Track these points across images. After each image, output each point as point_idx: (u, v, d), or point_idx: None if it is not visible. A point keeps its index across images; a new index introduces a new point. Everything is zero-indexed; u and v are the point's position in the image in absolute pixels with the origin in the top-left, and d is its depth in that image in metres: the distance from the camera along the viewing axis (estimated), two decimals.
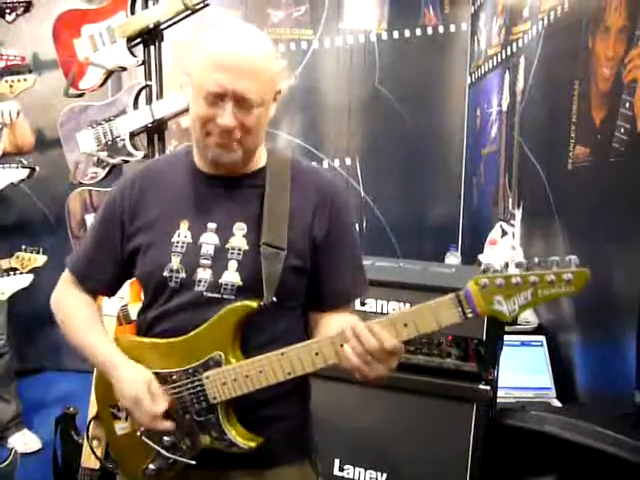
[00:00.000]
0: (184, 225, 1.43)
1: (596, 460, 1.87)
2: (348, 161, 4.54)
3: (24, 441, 3.36)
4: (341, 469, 2.29)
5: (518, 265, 1.20)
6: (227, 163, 1.39)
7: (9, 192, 3.47)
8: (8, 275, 2.88)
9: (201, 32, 1.39)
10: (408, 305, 2.17)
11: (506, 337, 2.38)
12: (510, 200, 3.46)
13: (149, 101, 3.05)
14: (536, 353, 2.69)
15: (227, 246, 1.41)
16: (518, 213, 3.30)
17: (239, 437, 1.38)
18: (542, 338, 2.72)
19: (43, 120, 4.05)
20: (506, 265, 1.21)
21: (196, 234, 1.42)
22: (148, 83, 3.04)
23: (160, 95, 3.05)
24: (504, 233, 3.37)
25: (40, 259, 3.19)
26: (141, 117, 2.99)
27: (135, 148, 3.04)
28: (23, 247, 3.18)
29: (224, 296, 1.39)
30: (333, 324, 1.43)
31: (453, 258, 3.85)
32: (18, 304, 3.38)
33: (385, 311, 2.19)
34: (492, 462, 2.13)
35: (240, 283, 1.39)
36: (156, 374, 1.41)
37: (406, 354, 2.21)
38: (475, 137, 4.34)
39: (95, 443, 1.58)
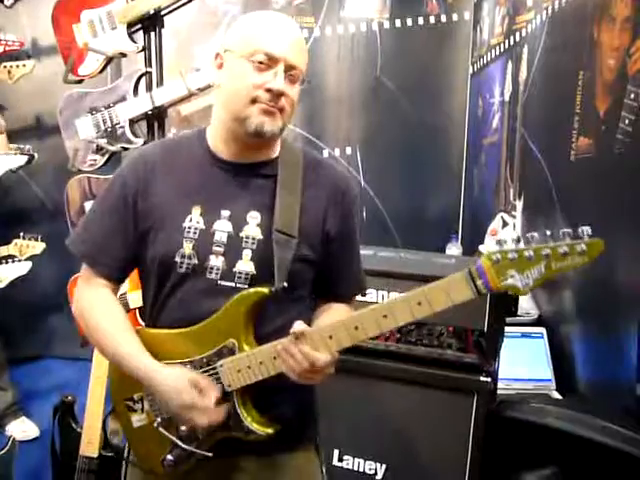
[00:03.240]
0: (196, 210, 1.41)
1: (596, 452, 1.87)
2: (349, 150, 4.51)
3: (22, 428, 3.36)
4: (340, 459, 2.29)
5: (530, 239, 1.20)
6: (268, 132, 1.38)
7: (7, 179, 3.45)
8: (6, 263, 2.87)
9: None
10: None
11: (506, 329, 2.37)
12: (511, 191, 3.44)
13: (149, 88, 3.03)
14: (536, 345, 2.68)
15: (241, 234, 1.41)
16: (519, 204, 3.28)
17: (256, 424, 1.38)
18: (542, 330, 2.71)
19: (42, 106, 4.04)
20: (518, 239, 1.22)
21: (209, 220, 1.41)
22: (148, 70, 3.02)
23: (160, 82, 3.04)
24: (505, 224, 3.37)
25: (38, 246, 3.18)
26: (141, 104, 2.97)
27: (135, 135, 3.02)
28: (21, 234, 3.17)
29: (238, 285, 1.39)
30: (336, 312, 1.50)
31: (454, 249, 3.85)
32: (16, 291, 3.37)
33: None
34: (492, 454, 2.12)
35: (254, 272, 1.40)
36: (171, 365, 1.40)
37: (407, 345, 2.21)
38: (477, 127, 4.31)
39: (116, 440, 1.57)
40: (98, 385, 2.43)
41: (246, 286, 1.39)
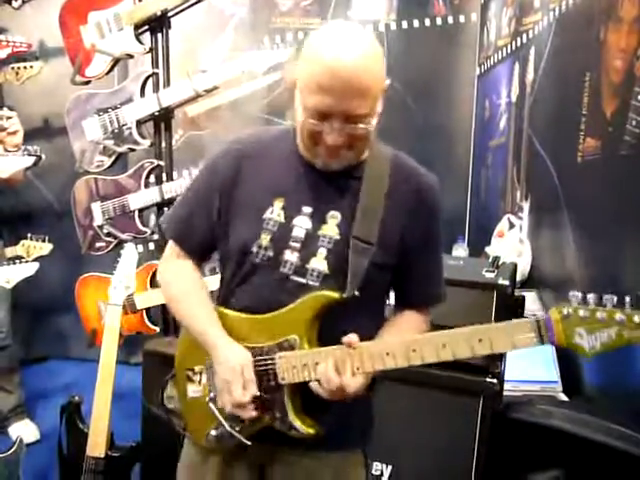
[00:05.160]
0: (278, 203, 1.43)
1: (603, 455, 1.87)
2: None
3: (22, 432, 3.30)
4: None
5: (604, 302, 1.16)
6: (337, 169, 1.39)
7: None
8: (14, 263, 2.88)
9: (317, 33, 1.33)
10: None
11: None
12: (518, 192, 3.44)
13: (156, 89, 3.04)
14: (543, 346, 2.66)
15: (319, 233, 1.41)
16: (526, 206, 3.28)
17: (300, 421, 1.39)
18: None
19: (49, 107, 4.05)
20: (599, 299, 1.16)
21: (289, 215, 1.42)
22: (155, 71, 3.03)
23: (167, 83, 3.04)
24: (512, 226, 3.36)
25: (46, 247, 3.18)
26: (148, 105, 2.98)
27: (141, 136, 3.03)
28: (29, 235, 3.18)
29: (309, 282, 1.40)
30: (409, 322, 1.50)
31: (460, 250, 3.84)
32: (23, 292, 3.38)
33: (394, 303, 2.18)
34: (498, 455, 2.12)
35: (327, 271, 1.40)
36: None
37: None
38: (483, 129, 4.31)
39: (171, 404, 1.61)
40: (105, 386, 2.44)
41: (317, 284, 1.39)
